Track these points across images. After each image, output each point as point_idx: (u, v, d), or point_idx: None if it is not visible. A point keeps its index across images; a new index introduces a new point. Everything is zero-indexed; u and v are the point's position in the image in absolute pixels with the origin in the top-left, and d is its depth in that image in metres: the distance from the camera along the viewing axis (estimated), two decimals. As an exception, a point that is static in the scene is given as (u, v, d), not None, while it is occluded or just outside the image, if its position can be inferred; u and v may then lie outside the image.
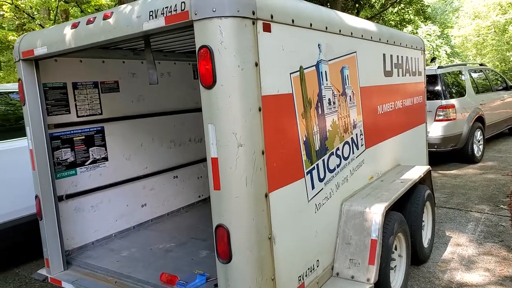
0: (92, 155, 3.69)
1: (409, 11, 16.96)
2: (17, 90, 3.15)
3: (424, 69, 4.98)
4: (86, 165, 3.64)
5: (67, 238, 3.42)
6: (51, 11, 15.90)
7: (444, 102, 7.11)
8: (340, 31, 2.91)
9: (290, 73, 2.36)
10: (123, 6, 2.34)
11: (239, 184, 2.04)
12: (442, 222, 4.95)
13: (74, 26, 2.57)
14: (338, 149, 2.93)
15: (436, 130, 7.08)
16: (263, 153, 2.12)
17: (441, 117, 7.05)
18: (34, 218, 4.36)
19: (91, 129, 3.69)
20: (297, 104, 2.42)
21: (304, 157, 2.51)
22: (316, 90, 2.62)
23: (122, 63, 3.93)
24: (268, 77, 2.16)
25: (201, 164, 4.86)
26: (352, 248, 2.85)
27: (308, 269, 2.57)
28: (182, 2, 2.02)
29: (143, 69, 4.13)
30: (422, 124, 4.98)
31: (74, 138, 3.56)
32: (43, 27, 13.08)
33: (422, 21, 19.13)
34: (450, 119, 7.08)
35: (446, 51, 40.36)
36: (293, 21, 2.36)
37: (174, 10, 2.06)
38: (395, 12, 17.21)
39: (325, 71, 2.73)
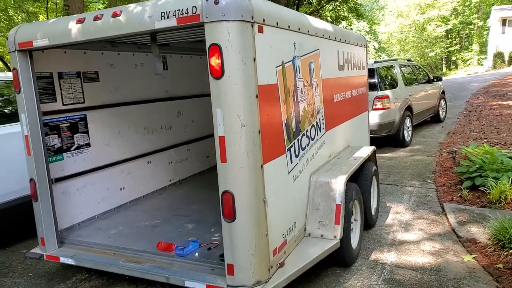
0: (77, 141, 3.91)
1: (344, 9, 18.24)
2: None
3: (367, 63, 5.73)
4: (71, 150, 3.86)
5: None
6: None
7: (380, 93, 8.04)
8: (308, 31, 3.45)
9: (276, 67, 2.86)
10: (132, 6, 2.67)
11: (242, 157, 2.51)
12: (383, 195, 5.77)
13: (80, 21, 2.83)
14: (307, 131, 3.49)
15: (373, 117, 7.98)
16: (259, 132, 2.60)
17: (378, 106, 7.97)
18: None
19: (75, 117, 3.90)
20: (281, 92, 2.93)
21: (285, 137, 3.03)
22: (292, 81, 3.15)
23: (101, 54, 4.16)
24: (262, 70, 2.64)
25: (172, 150, 5.20)
26: (320, 212, 3.44)
27: (289, 229, 3.11)
28: (193, 6, 2.42)
29: (119, 60, 4.38)
30: (366, 112, 5.74)
31: (61, 125, 3.76)
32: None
33: (355, 18, 20.61)
34: (385, 108, 8.03)
35: (374, 46, 43.33)
36: (277, 23, 2.85)
37: (186, 13, 2.45)
38: (332, 9, 18.39)
39: (299, 65, 3.26)
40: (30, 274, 3.97)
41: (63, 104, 3.77)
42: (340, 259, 3.54)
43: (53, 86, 3.67)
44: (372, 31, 45.23)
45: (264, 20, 2.65)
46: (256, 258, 2.63)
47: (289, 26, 3.06)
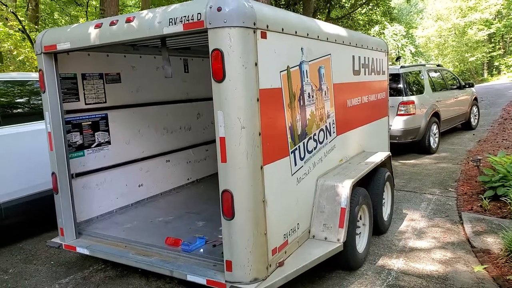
0: (97, 139, 4.15)
1: (377, 12, 17.97)
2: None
3: (388, 69, 5.69)
4: (92, 147, 4.09)
5: (76, 211, 3.86)
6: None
7: (405, 98, 7.91)
8: (318, 36, 3.51)
9: (280, 71, 2.94)
10: (144, 12, 2.83)
11: (241, 158, 2.61)
12: (400, 202, 5.70)
13: (98, 26, 3.03)
14: (315, 134, 3.54)
15: (397, 123, 7.87)
16: (259, 134, 2.69)
17: (402, 112, 7.85)
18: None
19: (96, 116, 4.13)
20: (285, 96, 3.01)
21: (289, 140, 3.10)
22: (299, 86, 3.22)
23: (123, 57, 4.38)
24: (264, 74, 2.73)
25: (190, 150, 5.38)
26: (325, 215, 3.48)
27: (291, 230, 3.17)
28: (198, 13, 2.55)
29: (141, 62, 4.60)
30: (385, 117, 5.69)
31: (83, 123, 4.00)
32: (15, 14, 13.08)
33: (388, 22, 20.25)
34: (410, 114, 7.89)
35: (410, 51, 42.23)
36: (282, 29, 2.94)
37: (191, 19, 2.58)
38: (364, 13, 18.17)
39: (306, 70, 3.32)
40: (52, 262, 4.24)
41: (86, 104, 4.01)
42: (344, 262, 3.56)
43: (77, 86, 3.92)
44: (409, 35, 44.12)
45: (267, 26, 2.74)
46: (254, 256, 2.71)
47: (296, 32, 3.13)
